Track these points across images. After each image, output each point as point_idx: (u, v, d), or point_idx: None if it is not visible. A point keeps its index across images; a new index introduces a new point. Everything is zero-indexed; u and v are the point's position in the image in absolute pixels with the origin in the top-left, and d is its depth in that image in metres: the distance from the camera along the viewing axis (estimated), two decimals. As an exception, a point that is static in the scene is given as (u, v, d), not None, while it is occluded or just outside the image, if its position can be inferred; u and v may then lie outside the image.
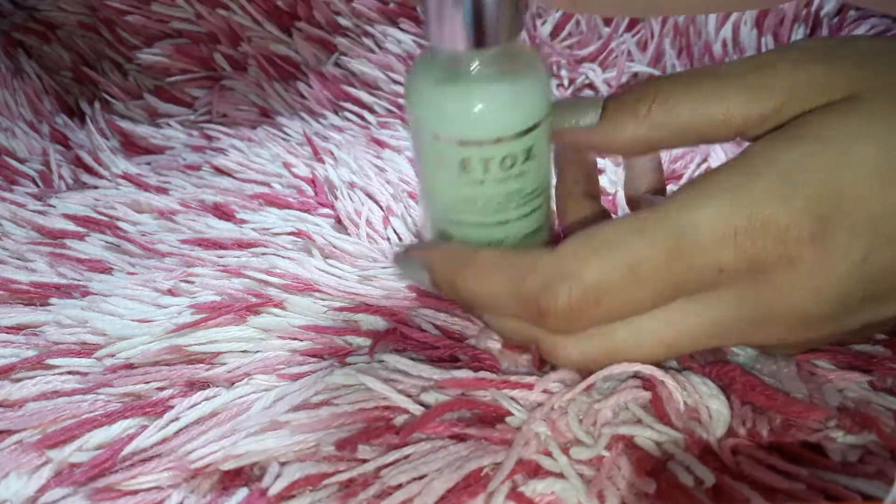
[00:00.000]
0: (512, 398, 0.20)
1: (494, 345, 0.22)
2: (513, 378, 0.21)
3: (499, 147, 0.19)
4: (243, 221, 0.33)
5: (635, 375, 0.20)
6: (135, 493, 0.19)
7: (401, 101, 0.43)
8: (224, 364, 0.23)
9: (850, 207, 0.17)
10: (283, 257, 0.29)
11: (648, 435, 0.19)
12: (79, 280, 0.29)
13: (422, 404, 0.20)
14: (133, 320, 0.26)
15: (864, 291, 0.17)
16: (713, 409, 0.19)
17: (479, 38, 0.18)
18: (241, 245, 0.31)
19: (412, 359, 0.22)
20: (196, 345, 0.24)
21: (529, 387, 0.20)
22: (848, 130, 0.17)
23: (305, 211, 0.34)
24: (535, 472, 0.18)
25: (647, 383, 0.20)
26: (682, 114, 0.19)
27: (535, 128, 0.19)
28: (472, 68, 0.19)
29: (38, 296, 0.28)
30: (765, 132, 0.18)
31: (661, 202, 0.18)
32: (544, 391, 0.20)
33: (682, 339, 0.19)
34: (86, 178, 0.40)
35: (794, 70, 0.18)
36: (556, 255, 0.18)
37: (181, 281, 0.28)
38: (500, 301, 0.19)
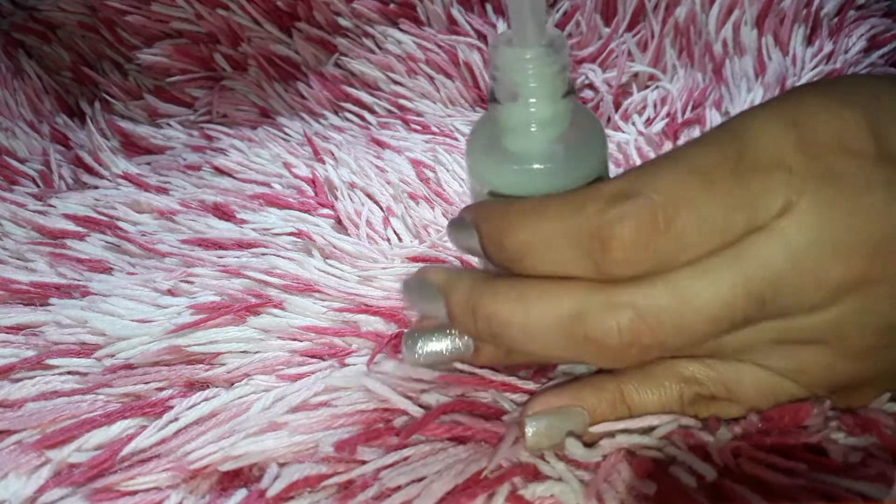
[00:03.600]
0: (512, 401, 0.20)
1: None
2: (514, 382, 0.20)
3: None
4: (243, 221, 0.33)
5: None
6: (133, 493, 0.19)
7: (401, 101, 0.43)
8: (223, 364, 0.23)
9: None
10: (283, 258, 0.29)
11: (649, 441, 0.19)
12: (79, 280, 0.29)
13: (421, 406, 0.20)
14: (133, 320, 0.26)
15: None
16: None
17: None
18: (241, 245, 0.31)
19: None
20: (195, 345, 0.24)
21: (531, 392, 0.20)
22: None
23: (305, 211, 0.34)
24: (535, 475, 0.18)
25: None
26: None
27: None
28: (530, 122, 0.19)
29: (37, 296, 0.28)
30: None
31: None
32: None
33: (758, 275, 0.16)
34: (86, 178, 0.40)
35: None
36: (615, 178, 0.16)
37: (181, 281, 0.28)
38: (554, 243, 0.16)
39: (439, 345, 0.19)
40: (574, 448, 0.18)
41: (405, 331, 0.20)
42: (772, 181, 0.16)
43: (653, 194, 0.16)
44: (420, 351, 0.19)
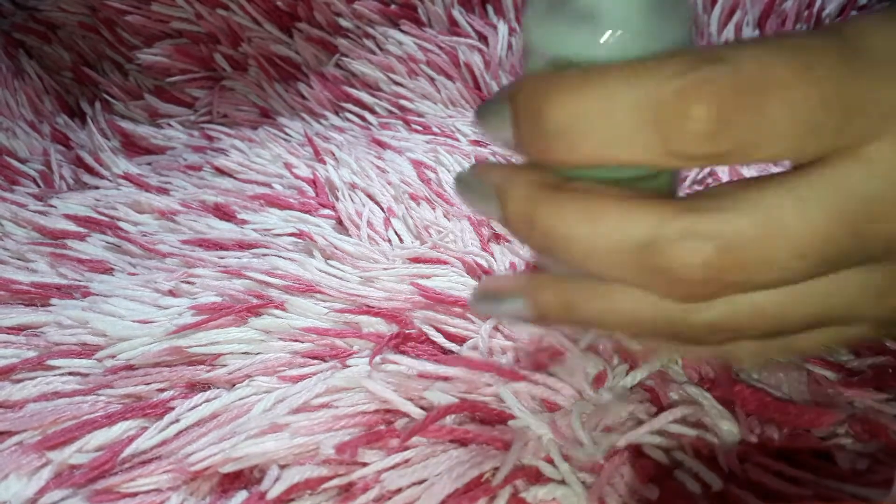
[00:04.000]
0: (515, 394, 0.20)
1: (496, 344, 0.22)
2: (520, 371, 0.20)
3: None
4: (244, 222, 0.33)
5: (641, 386, 0.20)
6: (134, 495, 0.19)
7: (402, 102, 0.43)
8: (225, 366, 0.23)
9: None
10: (284, 258, 0.29)
11: (656, 442, 0.19)
12: (79, 280, 0.29)
13: (423, 407, 0.20)
14: (134, 321, 0.26)
15: None
16: (724, 429, 0.19)
17: None
18: (242, 246, 0.31)
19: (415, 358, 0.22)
20: (197, 346, 0.24)
21: (535, 382, 0.20)
22: None
23: (306, 212, 0.33)
24: (537, 478, 0.18)
25: (655, 398, 0.20)
26: None
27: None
28: None
29: (38, 296, 0.28)
30: None
31: None
32: (550, 388, 0.20)
33: (857, 207, 0.14)
34: (87, 178, 0.40)
35: None
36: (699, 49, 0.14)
37: (182, 282, 0.28)
38: (612, 113, 0.13)
39: (506, 306, 0.17)
40: (579, 450, 0.18)
41: (479, 282, 0.18)
42: (883, 86, 0.13)
43: (744, 63, 0.13)
44: (487, 309, 0.17)
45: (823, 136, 0.14)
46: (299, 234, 0.31)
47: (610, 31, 0.15)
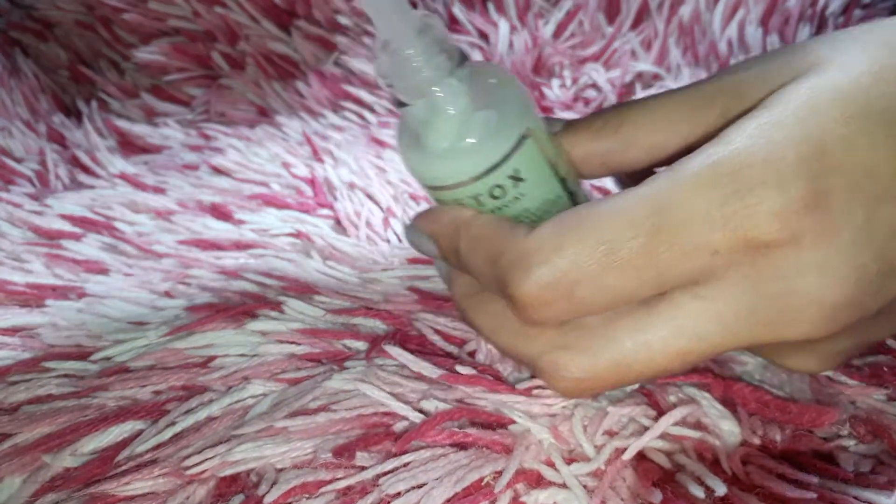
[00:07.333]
0: (515, 405, 0.20)
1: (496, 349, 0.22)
2: (517, 385, 0.20)
3: (476, 185, 0.18)
4: (241, 222, 0.33)
5: (641, 390, 0.20)
6: (130, 499, 0.19)
7: (401, 100, 0.43)
8: (221, 368, 0.23)
9: (838, 159, 0.15)
10: (281, 259, 0.28)
11: (658, 446, 0.18)
12: (75, 281, 0.29)
13: (421, 411, 0.20)
14: (129, 323, 0.25)
15: (878, 262, 0.16)
16: (725, 430, 0.19)
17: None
18: (239, 246, 0.30)
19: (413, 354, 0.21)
20: (193, 348, 0.24)
21: (529, 392, 0.20)
22: (808, 90, 0.16)
23: (304, 212, 0.33)
24: (538, 482, 0.18)
25: (654, 402, 0.20)
26: (629, 130, 0.19)
27: (504, 160, 0.18)
28: (416, 122, 0.18)
29: (33, 297, 0.28)
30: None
31: (647, 180, 0.17)
32: (548, 401, 0.20)
33: (694, 346, 0.17)
34: (83, 177, 0.40)
35: (735, 71, 0.18)
36: (529, 236, 0.17)
37: (178, 283, 0.27)
38: (485, 279, 0.18)
39: (424, 244, 0.21)
40: (580, 436, 0.18)
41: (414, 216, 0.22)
42: (691, 261, 0.16)
43: (557, 263, 0.16)
44: (411, 239, 0.21)
45: (641, 295, 0.17)
46: (297, 235, 0.31)
47: (453, 165, 0.18)
